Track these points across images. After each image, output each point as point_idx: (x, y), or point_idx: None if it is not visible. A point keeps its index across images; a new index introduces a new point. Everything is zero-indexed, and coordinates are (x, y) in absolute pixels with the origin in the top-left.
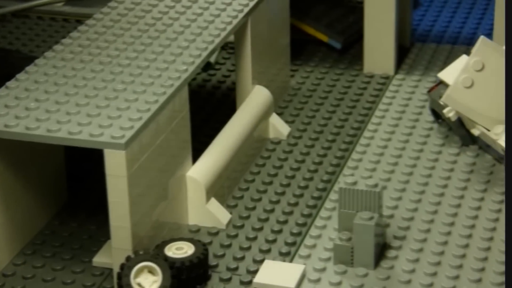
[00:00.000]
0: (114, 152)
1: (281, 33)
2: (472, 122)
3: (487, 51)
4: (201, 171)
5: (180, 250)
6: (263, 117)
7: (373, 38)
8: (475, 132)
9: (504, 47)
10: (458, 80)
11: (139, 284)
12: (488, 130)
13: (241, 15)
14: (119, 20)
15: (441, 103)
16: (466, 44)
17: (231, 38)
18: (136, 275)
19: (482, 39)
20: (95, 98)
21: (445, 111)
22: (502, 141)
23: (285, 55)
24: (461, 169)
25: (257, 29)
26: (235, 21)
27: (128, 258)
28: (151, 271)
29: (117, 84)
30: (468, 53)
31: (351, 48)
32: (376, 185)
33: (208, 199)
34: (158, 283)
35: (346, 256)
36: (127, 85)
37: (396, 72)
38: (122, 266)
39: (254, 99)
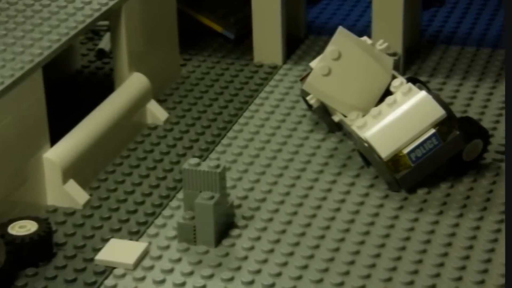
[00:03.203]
0: None
1: (166, 22)
2: (332, 109)
3: (343, 41)
4: (58, 153)
5: (23, 228)
6: (139, 103)
7: (261, 30)
8: (335, 118)
9: (362, 38)
10: (317, 68)
11: None
12: (345, 117)
13: (112, 3)
14: None
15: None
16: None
17: None
18: None
19: (339, 29)
20: None
21: (308, 98)
22: (355, 127)
23: (172, 43)
24: (322, 154)
25: (133, 16)
26: (104, 8)
27: None
28: None
29: None
30: None
31: (246, 39)
32: (217, 166)
33: (65, 180)
34: None
35: (189, 234)
36: None
37: (285, 62)
38: None
39: (129, 85)
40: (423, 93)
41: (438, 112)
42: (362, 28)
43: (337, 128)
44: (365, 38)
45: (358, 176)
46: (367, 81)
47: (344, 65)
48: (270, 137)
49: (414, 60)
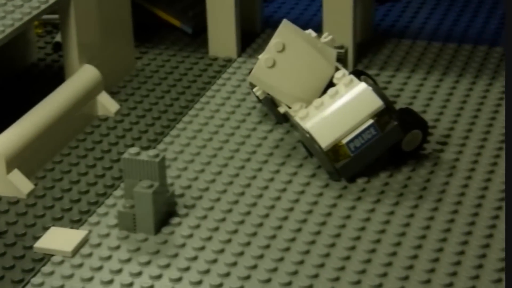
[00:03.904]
0: None
1: (120, 15)
2: (279, 100)
3: (287, 34)
4: (2, 143)
5: None
6: (88, 95)
7: (216, 23)
8: (281, 110)
9: (307, 31)
10: (261, 60)
11: None
12: (290, 108)
13: None
14: None
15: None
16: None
17: None
18: None
19: (284, 22)
20: None
21: (254, 90)
22: (298, 118)
23: (126, 36)
24: (268, 145)
25: (83, 8)
26: (52, 0)
27: None
28: None
29: None
30: None
31: (203, 33)
32: (157, 156)
33: (9, 170)
34: None
35: (129, 222)
36: None
37: (239, 56)
38: None
39: (78, 77)
40: (362, 85)
41: (376, 103)
42: (318, 23)
43: (285, 119)
44: (309, 31)
45: (301, 166)
46: (310, 73)
47: (288, 57)
48: (219, 128)
49: (366, 54)
